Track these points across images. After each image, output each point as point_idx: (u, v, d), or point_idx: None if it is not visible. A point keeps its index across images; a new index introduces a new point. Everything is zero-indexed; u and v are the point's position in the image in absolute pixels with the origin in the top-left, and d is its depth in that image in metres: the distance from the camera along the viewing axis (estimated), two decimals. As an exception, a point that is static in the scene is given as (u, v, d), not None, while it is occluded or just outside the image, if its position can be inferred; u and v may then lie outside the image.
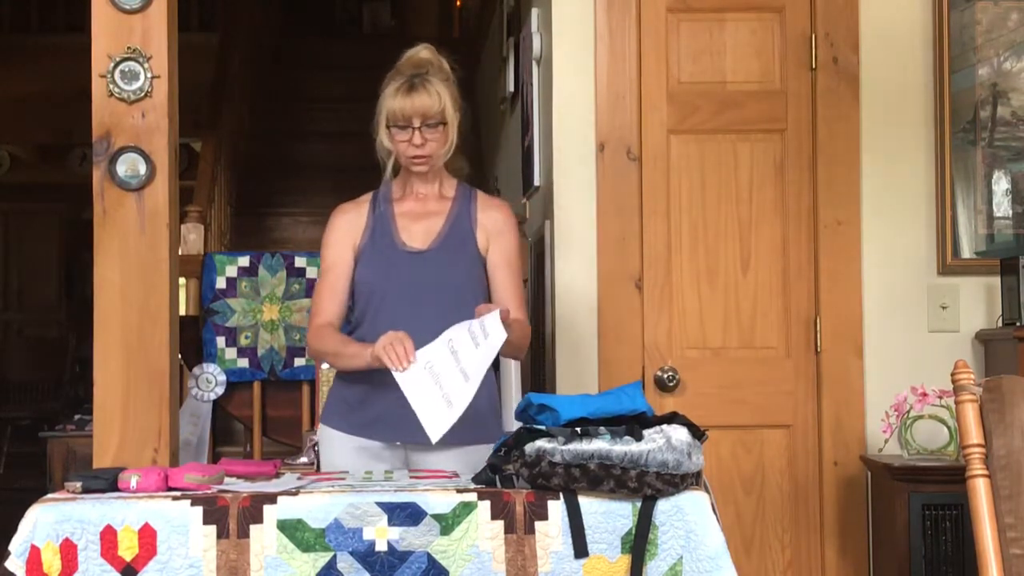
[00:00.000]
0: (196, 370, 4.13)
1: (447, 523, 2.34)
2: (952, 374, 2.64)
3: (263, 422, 4.20)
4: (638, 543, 2.35)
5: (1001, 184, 3.79)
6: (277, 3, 10.12)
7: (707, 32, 3.79)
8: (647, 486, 2.34)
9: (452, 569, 2.33)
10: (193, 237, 5.30)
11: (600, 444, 2.34)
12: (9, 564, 2.30)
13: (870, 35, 3.78)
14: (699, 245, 3.77)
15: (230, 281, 4.15)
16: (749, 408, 3.75)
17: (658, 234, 3.76)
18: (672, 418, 2.42)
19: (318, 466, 2.87)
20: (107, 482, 2.41)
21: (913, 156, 3.79)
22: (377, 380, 2.85)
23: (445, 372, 2.65)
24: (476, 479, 2.47)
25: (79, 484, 2.40)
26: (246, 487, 2.44)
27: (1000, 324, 3.69)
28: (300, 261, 4.19)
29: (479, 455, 2.80)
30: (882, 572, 3.61)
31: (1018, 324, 3.54)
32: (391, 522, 2.33)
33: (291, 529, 2.33)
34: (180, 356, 3.43)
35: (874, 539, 3.69)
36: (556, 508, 2.36)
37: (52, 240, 11.83)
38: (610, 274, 3.74)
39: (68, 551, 2.30)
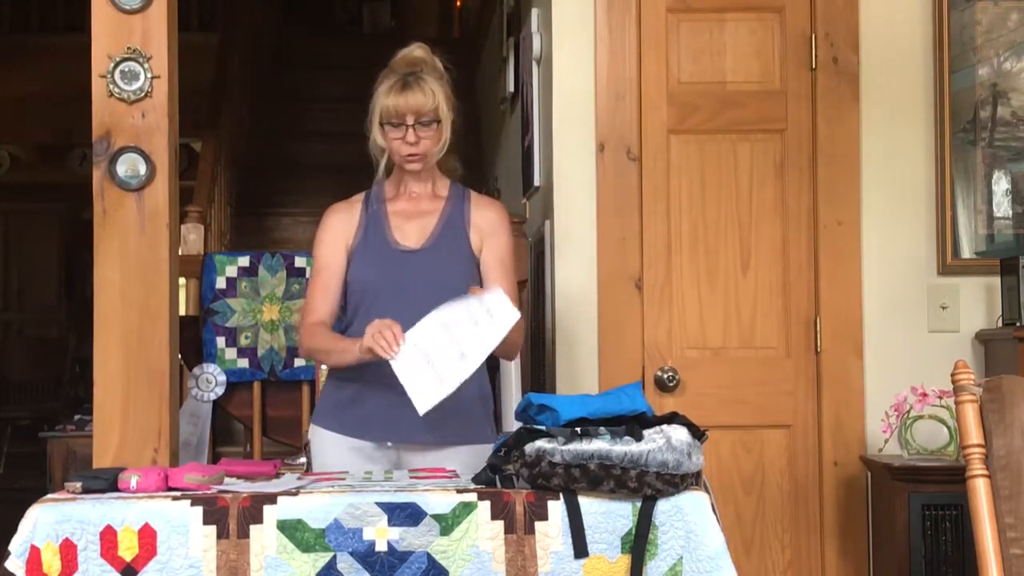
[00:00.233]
0: (196, 370, 4.13)
1: (447, 523, 2.34)
2: (952, 374, 2.64)
3: (263, 422, 4.20)
4: (638, 543, 2.35)
5: (1001, 184, 3.79)
6: (277, 3, 10.12)
7: (707, 32, 3.79)
8: (647, 486, 2.34)
9: (452, 569, 2.33)
10: (193, 237, 5.30)
11: (600, 444, 2.34)
12: (9, 564, 2.30)
13: (870, 35, 3.78)
14: (699, 245, 3.77)
15: (230, 281, 4.15)
16: (749, 408, 3.75)
17: (658, 234, 3.76)
18: (672, 418, 2.42)
19: (308, 466, 2.87)
20: (107, 482, 2.41)
21: (913, 156, 3.79)
22: (369, 380, 2.86)
23: (437, 348, 2.65)
24: (476, 479, 2.47)
25: (79, 484, 2.40)
26: (246, 487, 2.44)
27: (1000, 324, 3.69)
28: (300, 261, 4.19)
29: (471, 456, 2.81)
30: (882, 572, 3.61)
31: (1018, 324, 3.54)
32: (391, 522, 2.33)
33: (291, 529, 2.33)
34: (180, 356, 3.43)
35: (874, 539, 3.69)
36: (556, 508, 2.36)
37: (52, 240, 11.84)
38: (610, 274, 3.74)
39: (68, 551, 2.30)
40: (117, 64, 2.90)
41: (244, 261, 4.17)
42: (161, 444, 2.88)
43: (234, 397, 4.17)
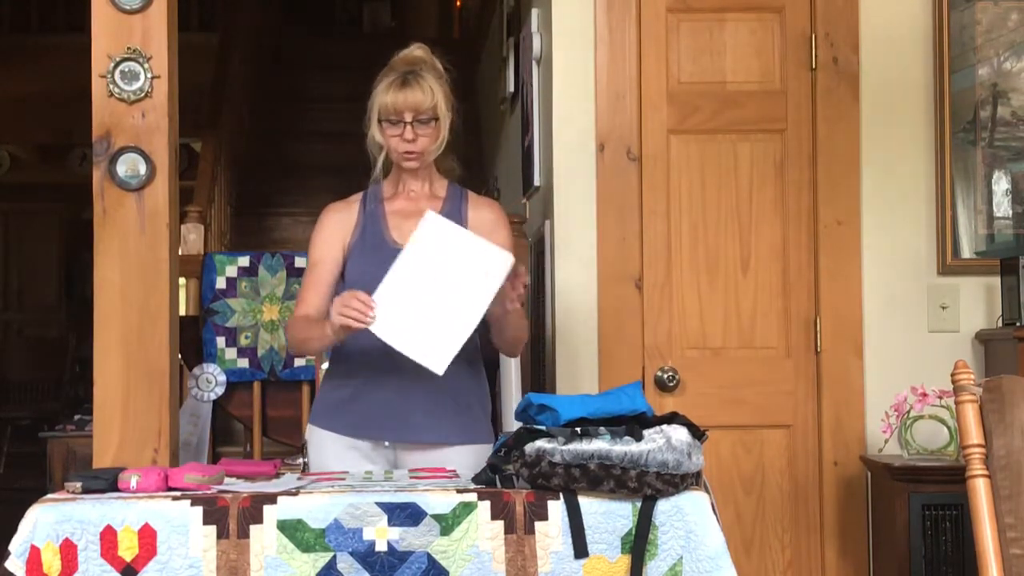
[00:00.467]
0: (196, 370, 4.13)
1: (447, 523, 2.34)
2: (952, 374, 2.64)
3: (263, 422, 4.20)
4: (638, 543, 2.35)
5: (1001, 184, 3.79)
6: (277, 3, 10.12)
7: (707, 32, 3.79)
8: (647, 486, 2.34)
9: (452, 569, 2.33)
10: (193, 237, 5.30)
11: (600, 444, 2.34)
12: (9, 564, 2.30)
13: (870, 35, 3.79)
14: (699, 245, 3.77)
15: (230, 281, 4.15)
16: (749, 408, 3.75)
17: (658, 234, 3.76)
18: (672, 418, 2.42)
19: (305, 466, 2.87)
20: (107, 482, 2.41)
21: (913, 156, 3.79)
22: (367, 380, 2.86)
23: (422, 301, 2.63)
24: (476, 479, 2.47)
25: (79, 484, 2.40)
26: (246, 487, 2.44)
27: (1000, 324, 3.69)
28: (300, 261, 4.18)
29: (471, 456, 2.81)
30: (882, 572, 3.61)
31: (1018, 324, 3.54)
32: (391, 522, 2.33)
33: (291, 529, 2.33)
34: (180, 356, 3.43)
35: (874, 539, 3.69)
36: (556, 508, 2.36)
37: (52, 240, 11.83)
38: (610, 274, 3.74)
39: (68, 551, 2.30)
40: (117, 64, 2.90)
41: (244, 261, 4.17)
42: (161, 444, 2.88)
43: (234, 397, 4.17)
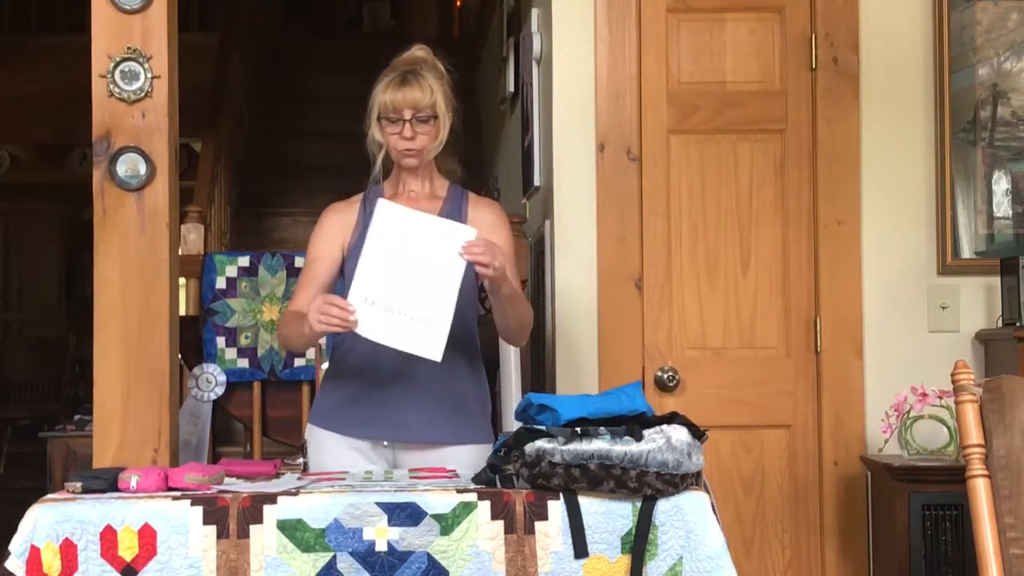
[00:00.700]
0: (196, 370, 4.13)
1: (447, 523, 2.34)
2: (952, 374, 2.64)
3: (263, 422, 4.20)
4: (638, 543, 2.35)
5: (1001, 184, 3.79)
6: (277, 3, 10.12)
7: (707, 32, 3.79)
8: (647, 486, 2.34)
9: (452, 569, 2.33)
10: (193, 237, 5.30)
11: (600, 444, 2.34)
12: (9, 564, 2.30)
13: (870, 35, 3.79)
14: (699, 245, 3.77)
15: (230, 281, 4.15)
16: (749, 408, 3.75)
17: (658, 234, 3.76)
18: (672, 418, 2.42)
19: (305, 466, 2.87)
20: (107, 482, 2.41)
21: (913, 156, 3.79)
22: (367, 380, 2.86)
23: (399, 296, 2.62)
24: (476, 479, 2.47)
25: (79, 484, 2.40)
26: (246, 487, 2.44)
27: (1000, 324, 3.69)
28: (300, 261, 4.18)
29: (470, 455, 2.81)
30: (882, 572, 3.61)
31: (1018, 324, 3.54)
32: (391, 522, 2.33)
33: (291, 529, 2.33)
34: (180, 356, 3.43)
35: (874, 539, 3.69)
36: (556, 508, 2.36)
37: (52, 240, 11.83)
38: (610, 274, 3.74)
39: (68, 551, 2.30)
40: (117, 64, 2.90)
41: (244, 261, 4.17)
42: (161, 444, 2.88)
43: (234, 397, 4.17)
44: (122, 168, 2.90)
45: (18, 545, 2.31)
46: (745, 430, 3.74)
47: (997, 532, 2.52)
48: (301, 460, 2.94)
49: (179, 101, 3.01)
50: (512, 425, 2.79)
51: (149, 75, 2.91)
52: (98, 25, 2.92)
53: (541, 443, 2.36)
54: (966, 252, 3.77)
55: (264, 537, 2.32)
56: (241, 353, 4.13)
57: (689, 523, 2.37)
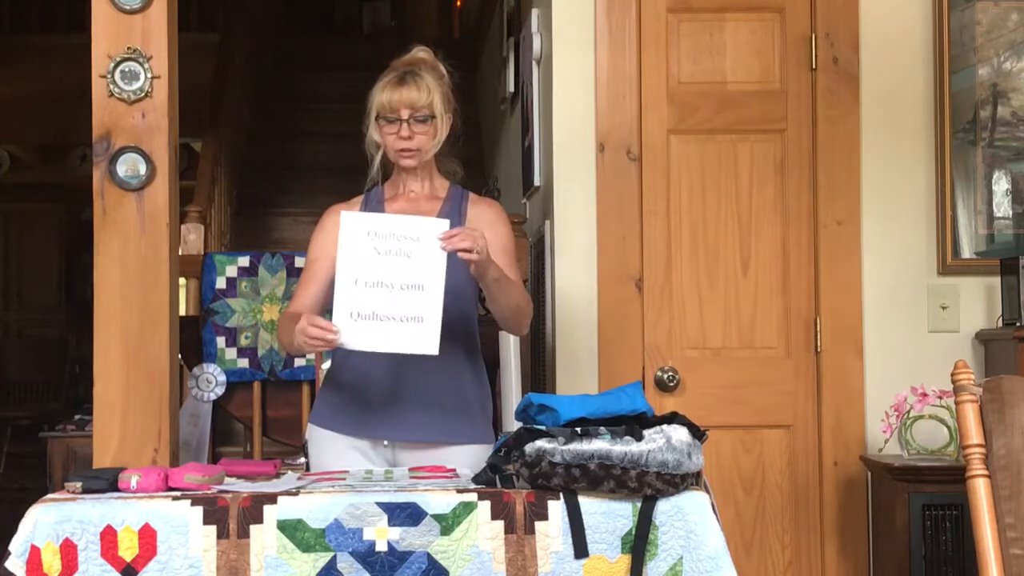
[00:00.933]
0: (196, 370, 4.12)
1: (447, 523, 2.34)
2: (952, 374, 2.64)
3: (263, 422, 4.20)
4: (638, 543, 2.35)
5: (1001, 184, 3.79)
6: (277, 3, 10.11)
7: (707, 32, 3.79)
8: (647, 486, 2.34)
9: (452, 569, 2.33)
10: (193, 237, 5.30)
11: (600, 444, 2.34)
12: (9, 564, 2.30)
13: (870, 35, 3.79)
14: (699, 245, 3.77)
15: (230, 281, 4.14)
16: (749, 408, 3.75)
17: (658, 234, 3.76)
18: (672, 418, 2.42)
19: (306, 466, 2.87)
20: (107, 482, 2.41)
21: (913, 156, 3.79)
22: (367, 380, 2.86)
23: (383, 304, 2.62)
24: (476, 479, 2.47)
25: (79, 484, 2.40)
26: (246, 487, 2.44)
27: (1000, 324, 3.69)
28: (300, 261, 4.18)
29: (470, 455, 2.82)
30: (882, 572, 3.61)
31: (1018, 324, 3.54)
32: (391, 522, 2.33)
33: (291, 529, 2.33)
34: (180, 356, 3.43)
35: (874, 539, 3.69)
36: (556, 508, 2.36)
37: (52, 240, 11.82)
38: (610, 274, 3.74)
39: (68, 551, 2.30)
40: (117, 64, 2.90)
41: (244, 261, 4.17)
42: (161, 444, 2.88)
43: (234, 397, 4.16)
44: (122, 168, 2.90)
45: (18, 545, 2.31)
46: (745, 430, 3.75)
47: (997, 532, 2.53)
48: (301, 460, 2.94)
49: (179, 101, 3.01)
50: (512, 425, 2.79)
51: (149, 75, 2.91)
52: (98, 25, 2.92)
53: (541, 443, 2.36)
54: (966, 252, 3.77)
55: (264, 537, 2.32)
56: (241, 353, 4.13)
57: (689, 523, 2.37)
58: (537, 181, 4.07)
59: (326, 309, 2.90)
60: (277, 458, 3.12)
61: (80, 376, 10.51)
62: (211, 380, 4.11)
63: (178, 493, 2.38)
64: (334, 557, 2.33)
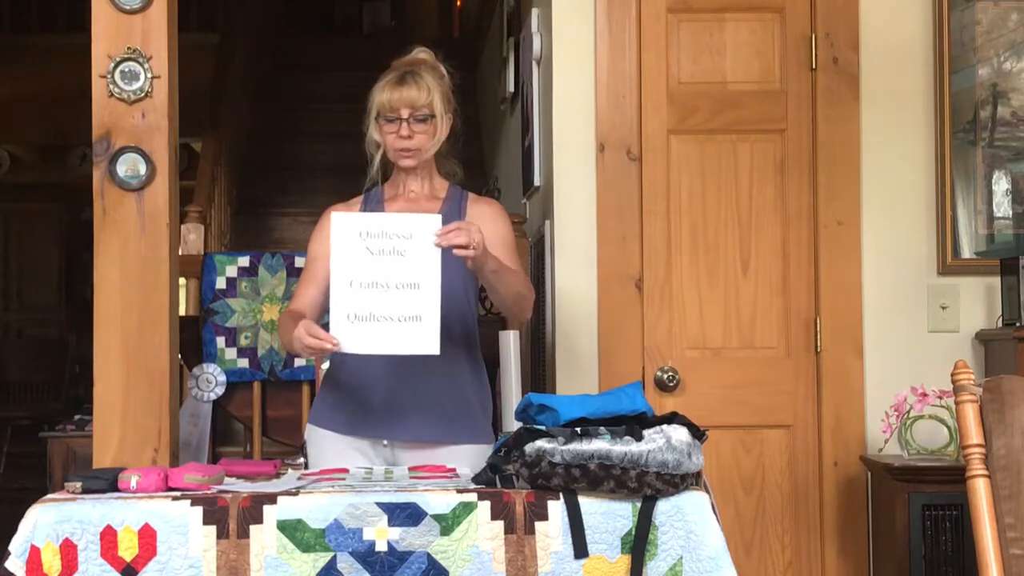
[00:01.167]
0: (196, 370, 4.12)
1: (447, 523, 2.34)
2: (952, 374, 2.64)
3: (263, 422, 4.20)
4: (638, 543, 2.35)
5: (1001, 184, 3.79)
6: (277, 3, 10.12)
7: (707, 32, 3.79)
8: (647, 486, 2.34)
9: (452, 569, 2.33)
10: (193, 237, 5.30)
11: (600, 444, 2.34)
12: (9, 564, 2.30)
13: (870, 35, 3.79)
14: (699, 245, 3.77)
15: (230, 281, 4.14)
16: (749, 408, 3.75)
17: (658, 234, 3.76)
18: (672, 418, 2.42)
19: (306, 465, 2.87)
20: (107, 482, 2.41)
21: (913, 156, 3.79)
22: (366, 380, 2.87)
23: (379, 304, 2.62)
24: (476, 479, 2.47)
25: (79, 484, 2.40)
26: (246, 487, 2.44)
27: (1000, 324, 3.69)
28: (300, 261, 4.17)
29: (470, 455, 2.82)
30: (882, 572, 3.61)
31: (1018, 324, 3.54)
32: (391, 522, 2.33)
33: (291, 529, 2.33)
34: (180, 356, 3.43)
35: (874, 539, 3.69)
36: (556, 508, 2.36)
37: (52, 240, 11.82)
38: (610, 274, 3.74)
39: (68, 551, 2.30)
40: (117, 64, 2.90)
41: (244, 261, 4.17)
42: (161, 444, 2.88)
43: (234, 397, 4.16)
44: (122, 168, 2.90)
45: (18, 545, 2.31)
46: (745, 430, 3.75)
47: (997, 532, 2.53)
48: (301, 460, 2.94)
49: (179, 101, 3.01)
50: (512, 425, 2.79)
51: (149, 75, 2.91)
52: (98, 25, 2.92)
53: (541, 443, 2.36)
54: (966, 252, 3.77)
55: (264, 537, 2.32)
56: (241, 353, 4.13)
57: (689, 523, 2.37)
58: (537, 181, 4.07)
59: (326, 309, 2.90)
60: (277, 458, 3.12)
61: (80, 376, 10.51)
62: (211, 380, 4.11)
63: (178, 493, 2.38)
64: (334, 557, 2.33)
